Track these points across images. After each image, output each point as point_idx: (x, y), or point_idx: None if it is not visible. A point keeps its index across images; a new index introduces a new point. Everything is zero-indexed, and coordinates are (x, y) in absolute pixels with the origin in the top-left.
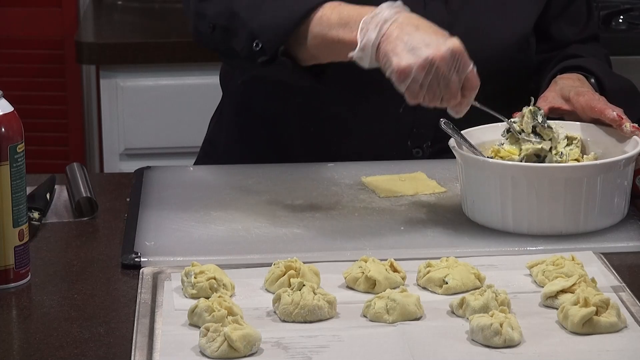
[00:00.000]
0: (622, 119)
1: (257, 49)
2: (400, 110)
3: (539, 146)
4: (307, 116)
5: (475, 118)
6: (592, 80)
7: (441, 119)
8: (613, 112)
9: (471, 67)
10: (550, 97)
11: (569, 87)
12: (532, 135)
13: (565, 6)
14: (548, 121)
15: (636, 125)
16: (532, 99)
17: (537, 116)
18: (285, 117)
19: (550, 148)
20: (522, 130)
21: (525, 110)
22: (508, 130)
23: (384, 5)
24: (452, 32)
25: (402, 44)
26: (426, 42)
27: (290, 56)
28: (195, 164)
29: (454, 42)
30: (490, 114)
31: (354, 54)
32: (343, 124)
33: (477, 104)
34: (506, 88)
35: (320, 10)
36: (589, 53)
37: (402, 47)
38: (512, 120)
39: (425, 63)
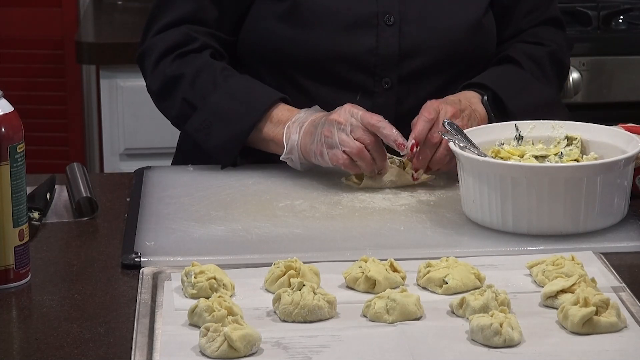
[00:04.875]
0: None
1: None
2: (357, 97)
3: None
4: None
5: None
6: (485, 98)
7: (445, 119)
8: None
9: (350, 124)
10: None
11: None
12: None
13: None
14: None
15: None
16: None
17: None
18: None
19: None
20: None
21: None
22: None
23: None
24: (405, 20)
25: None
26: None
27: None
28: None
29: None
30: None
31: (283, 156)
32: None
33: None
34: (465, 75)
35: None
36: (543, 39)
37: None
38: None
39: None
